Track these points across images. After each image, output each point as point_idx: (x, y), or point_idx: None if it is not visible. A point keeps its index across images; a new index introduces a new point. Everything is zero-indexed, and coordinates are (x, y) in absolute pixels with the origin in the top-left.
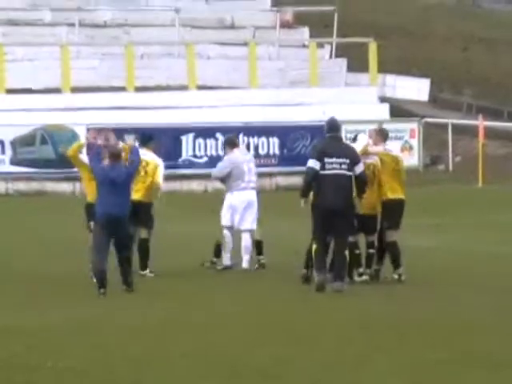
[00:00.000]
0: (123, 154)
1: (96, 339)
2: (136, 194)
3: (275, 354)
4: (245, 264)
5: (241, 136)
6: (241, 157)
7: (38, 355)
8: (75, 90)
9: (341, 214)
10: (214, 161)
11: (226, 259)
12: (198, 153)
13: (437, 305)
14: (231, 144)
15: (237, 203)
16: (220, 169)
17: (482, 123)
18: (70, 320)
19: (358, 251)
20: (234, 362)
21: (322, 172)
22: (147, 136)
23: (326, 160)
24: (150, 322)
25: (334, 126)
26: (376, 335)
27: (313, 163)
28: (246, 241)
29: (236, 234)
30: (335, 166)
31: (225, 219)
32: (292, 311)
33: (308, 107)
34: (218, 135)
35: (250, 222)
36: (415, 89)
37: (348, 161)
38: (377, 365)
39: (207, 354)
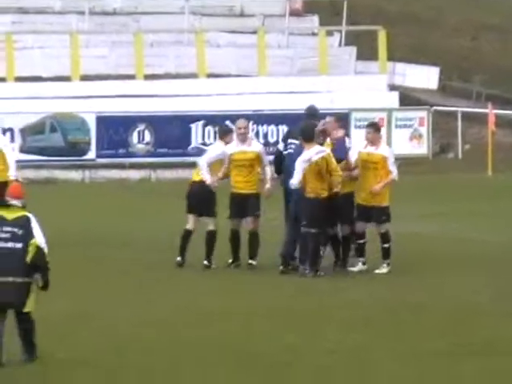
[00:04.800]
0: None
1: (107, 329)
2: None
3: (281, 342)
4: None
5: (250, 124)
6: None
7: (48, 345)
8: (85, 78)
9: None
10: None
11: None
12: (207, 141)
13: (437, 292)
14: None
15: None
16: None
17: (491, 111)
18: (80, 310)
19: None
20: (242, 350)
21: (284, 152)
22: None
23: (289, 141)
24: (160, 313)
25: (309, 111)
26: (376, 323)
27: (279, 144)
28: None
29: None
30: (293, 147)
31: None
32: (295, 302)
33: (317, 95)
34: (228, 123)
35: None
36: (425, 77)
37: None
38: (378, 352)
39: (216, 343)
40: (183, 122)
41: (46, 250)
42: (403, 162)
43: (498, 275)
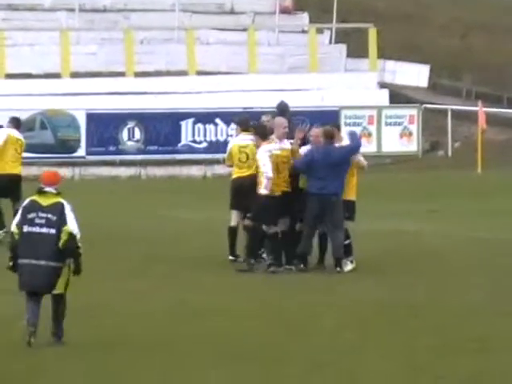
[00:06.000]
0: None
1: (99, 322)
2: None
3: (274, 340)
4: None
5: None
6: None
7: (37, 340)
8: (75, 75)
9: None
10: (213, 146)
11: None
12: (197, 138)
13: (427, 290)
14: None
15: None
16: None
17: (481, 109)
18: (72, 304)
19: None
20: (234, 347)
21: None
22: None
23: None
24: (153, 309)
25: (279, 108)
26: (368, 321)
27: None
28: None
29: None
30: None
31: None
32: (288, 299)
33: (307, 93)
34: (218, 120)
35: None
36: (415, 75)
37: None
38: (370, 350)
39: (208, 340)
40: (173, 120)
41: (78, 236)
42: (393, 159)
43: (490, 273)
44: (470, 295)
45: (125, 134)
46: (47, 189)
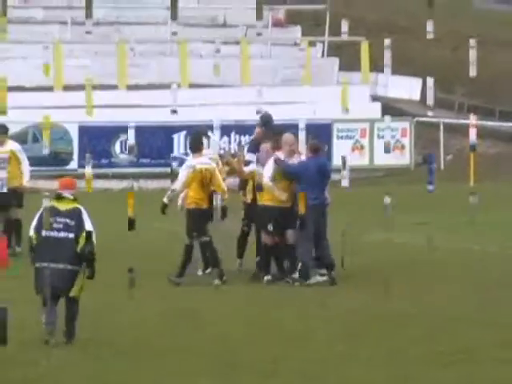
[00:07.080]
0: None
1: (89, 333)
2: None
3: (268, 351)
4: None
5: (232, 134)
6: None
7: (31, 352)
8: (67, 88)
9: None
10: None
11: None
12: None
13: (416, 300)
14: None
15: None
16: None
17: (473, 122)
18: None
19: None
20: (227, 359)
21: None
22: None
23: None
24: (144, 317)
25: (263, 119)
26: (359, 332)
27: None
28: None
29: None
30: None
31: None
32: (280, 311)
33: (300, 106)
34: (210, 133)
35: None
36: (407, 88)
37: None
38: (360, 360)
39: (201, 351)
40: (165, 133)
41: (95, 243)
42: (385, 172)
43: (479, 284)
44: (459, 306)
45: (117, 147)
46: (64, 194)
